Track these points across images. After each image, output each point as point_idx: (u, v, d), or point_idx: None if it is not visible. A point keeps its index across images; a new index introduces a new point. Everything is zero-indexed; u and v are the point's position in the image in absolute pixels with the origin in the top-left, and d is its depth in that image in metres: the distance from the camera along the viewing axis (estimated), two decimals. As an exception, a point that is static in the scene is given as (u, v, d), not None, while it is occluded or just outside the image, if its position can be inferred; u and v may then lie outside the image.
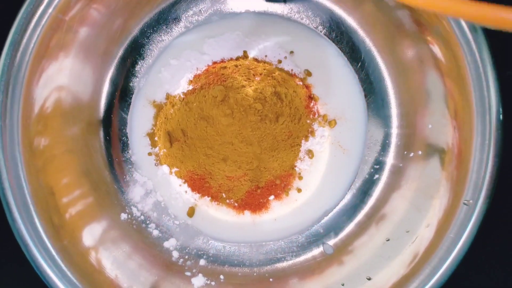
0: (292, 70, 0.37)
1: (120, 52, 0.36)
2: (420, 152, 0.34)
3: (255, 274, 0.34)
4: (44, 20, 0.29)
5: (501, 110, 0.28)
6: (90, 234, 0.32)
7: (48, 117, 0.32)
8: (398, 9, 0.32)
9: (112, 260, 0.32)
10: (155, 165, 0.36)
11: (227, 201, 0.36)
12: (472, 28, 0.28)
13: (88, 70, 0.35)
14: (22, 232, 0.28)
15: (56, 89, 0.32)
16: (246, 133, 0.35)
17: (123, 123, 0.37)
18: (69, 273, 0.28)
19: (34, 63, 0.30)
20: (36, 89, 0.30)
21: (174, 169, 0.36)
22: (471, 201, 0.28)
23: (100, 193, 0.34)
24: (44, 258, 0.28)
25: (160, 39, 0.37)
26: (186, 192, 0.36)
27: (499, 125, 0.28)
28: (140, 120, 0.37)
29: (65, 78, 0.33)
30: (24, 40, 0.29)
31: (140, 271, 0.32)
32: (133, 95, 0.37)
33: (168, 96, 0.37)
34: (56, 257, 0.28)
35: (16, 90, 0.29)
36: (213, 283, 0.33)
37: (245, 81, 0.36)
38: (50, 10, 0.30)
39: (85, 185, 0.33)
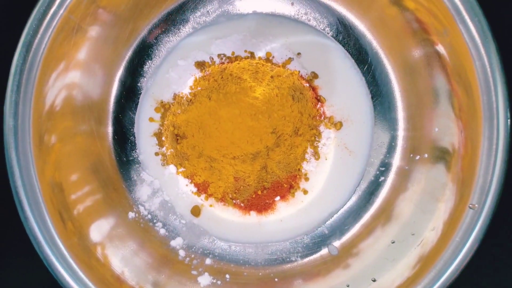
0: (299, 71, 0.37)
1: (129, 53, 0.37)
2: (426, 155, 0.34)
3: (260, 274, 0.35)
4: (55, 20, 0.30)
5: (508, 115, 0.28)
6: (98, 232, 0.32)
7: (58, 116, 0.32)
8: (406, 11, 0.32)
9: (120, 257, 0.32)
10: (162, 164, 0.37)
11: (233, 201, 0.36)
12: (481, 31, 0.28)
13: (98, 70, 0.35)
14: (35, 230, 0.28)
15: (66, 88, 0.32)
16: (253, 134, 0.35)
17: (131, 122, 0.37)
18: (78, 270, 0.29)
19: (46, 63, 0.30)
20: (47, 89, 0.31)
21: (181, 169, 0.36)
22: (476, 205, 0.28)
23: (108, 192, 0.35)
24: (55, 255, 0.28)
25: (168, 39, 0.37)
26: (192, 192, 0.36)
27: (507, 130, 0.28)
28: (147, 120, 0.37)
29: (75, 78, 0.33)
30: (36, 41, 0.29)
31: (147, 269, 0.33)
32: (141, 95, 0.37)
33: (175, 96, 0.37)
34: (66, 254, 0.29)
35: (28, 90, 0.29)
36: (219, 282, 0.34)
37: (253, 82, 0.36)
38: (61, 11, 0.30)
39: (94, 184, 0.34)
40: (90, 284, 0.29)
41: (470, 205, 0.28)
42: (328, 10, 0.37)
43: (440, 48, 0.31)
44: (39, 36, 0.29)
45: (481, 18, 0.28)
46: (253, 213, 0.36)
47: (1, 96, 0.29)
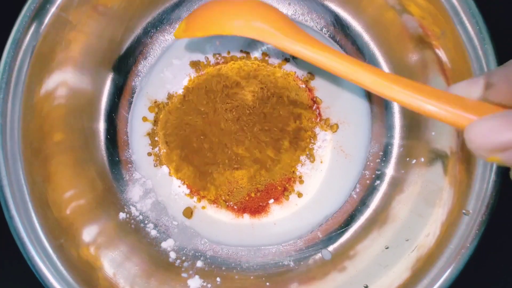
0: (295, 72, 0.36)
1: (123, 51, 0.36)
2: (422, 159, 0.33)
3: (252, 277, 0.34)
4: (47, 18, 0.30)
5: (506, 119, 0.27)
6: (87, 233, 0.32)
7: (49, 115, 0.32)
8: (404, 13, 0.32)
9: (109, 259, 0.32)
10: (154, 165, 0.36)
11: (227, 203, 0.36)
12: (479, 33, 0.28)
13: (91, 69, 0.35)
14: (19, 230, 0.28)
15: (57, 87, 0.32)
16: (246, 135, 0.35)
17: (124, 122, 0.37)
18: (65, 272, 0.28)
19: (37, 61, 0.30)
20: (37, 87, 0.30)
21: (173, 170, 0.36)
22: (470, 211, 0.27)
23: (99, 192, 0.34)
24: (41, 256, 0.28)
25: (163, 38, 0.37)
26: (185, 193, 0.36)
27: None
28: (141, 119, 0.37)
29: (67, 76, 0.33)
30: (27, 38, 0.29)
31: (136, 271, 0.32)
32: (135, 94, 0.37)
33: (169, 96, 0.37)
34: (53, 255, 0.28)
35: (18, 88, 0.29)
36: (209, 285, 0.33)
37: (247, 82, 0.36)
38: (53, 9, 0.30)
39: (84, 183, 0.33)
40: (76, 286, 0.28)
41: (464, 211, 0.28)
42: (325, 11, 0.36)
43: (438, 49, 0.31)
44: (30, 33, 0.29)
45: (479, 19, 0.28)
46: (246, 215, 0.36)
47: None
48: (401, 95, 0.20)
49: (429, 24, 0.31)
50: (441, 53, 0.30)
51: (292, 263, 0.35)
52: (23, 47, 0.29)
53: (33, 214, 0.28)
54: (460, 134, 0.30)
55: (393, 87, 0.20)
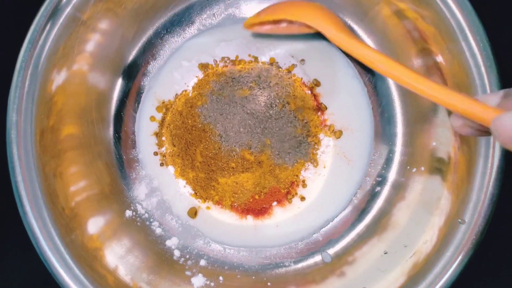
0: (301, 78, 0.37)
1: (134, 52, 0.37)
2: (422, 168, 0.34)
3: (253, 277, 0.35)
4: (62, 18, 0.30)
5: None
6: (95, 228, 0.32)
7: (61, 112, 0.32)
8: (409, 23, 0.33)
9: (115, 254, 0.32)
10: (160, 164, 0.37)
11: (230, 205, 0.36)
12: (483, 48, 0.29)
13: (102, 68, 0.35)
14: (33, 225, 0.28)
15: (70, 85, 0.33)
16: (252, 139, 0.35)
17: (133, 121, 0.37)
18: (74, 266, 0.29)
19: (51, 60, 0.30)
20: (51, 84, 0.31)
21: (179, 170, 0.37)
22: (466, 220, 0.28)
23: (106, 189, 0.35)
24: (52, 251, 0.28)
25: (173, 40, 0.38)
26: (190, 193, 0.37)
27: (502, 148, 0.28)
28: (148, 119, 0.37)
29: (79, 75, 0.33)
30: (42, 37, 0.30)
31: (141, 267, 0.33)
32: (143, 94, 0.37)
33: (177, 97, 0.37)
34: (63, 249, 0.29)
35: (32, 85, 0.30)
36: (212, 284, 0.34)
37: (254, 86, 0.36)
38: (68, 9, 0.30)
39: (93, 181, 0.34)
40: (84, 280, 0.29)
41: (460, 220, 0.29)
42: (333, 19, 0.37)
43: (442, 61, 0.32)
44: (45, 32, 0.30)
45: (483, 37, 0.29)
46: (249, 217, 0.36)
47: (5, 91, 0.29)
48: (431, 91, 0.24)
49: (433, 36, 0.31)
50: (444, 66, 0.31)
51: (293, 264, 0.36)
52: (39, 45, 0.29)
53: (45, 211, 0.29)
54: (459, 147, 0.31)
55: (422, 84, 0.25)
